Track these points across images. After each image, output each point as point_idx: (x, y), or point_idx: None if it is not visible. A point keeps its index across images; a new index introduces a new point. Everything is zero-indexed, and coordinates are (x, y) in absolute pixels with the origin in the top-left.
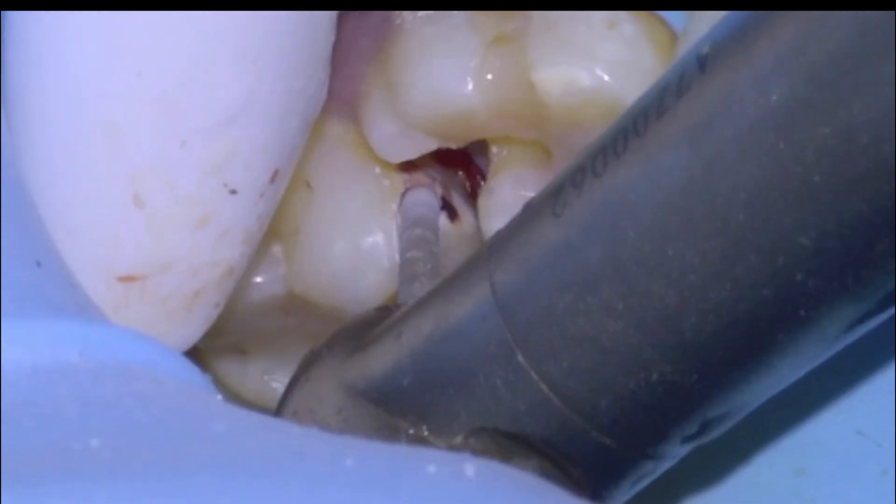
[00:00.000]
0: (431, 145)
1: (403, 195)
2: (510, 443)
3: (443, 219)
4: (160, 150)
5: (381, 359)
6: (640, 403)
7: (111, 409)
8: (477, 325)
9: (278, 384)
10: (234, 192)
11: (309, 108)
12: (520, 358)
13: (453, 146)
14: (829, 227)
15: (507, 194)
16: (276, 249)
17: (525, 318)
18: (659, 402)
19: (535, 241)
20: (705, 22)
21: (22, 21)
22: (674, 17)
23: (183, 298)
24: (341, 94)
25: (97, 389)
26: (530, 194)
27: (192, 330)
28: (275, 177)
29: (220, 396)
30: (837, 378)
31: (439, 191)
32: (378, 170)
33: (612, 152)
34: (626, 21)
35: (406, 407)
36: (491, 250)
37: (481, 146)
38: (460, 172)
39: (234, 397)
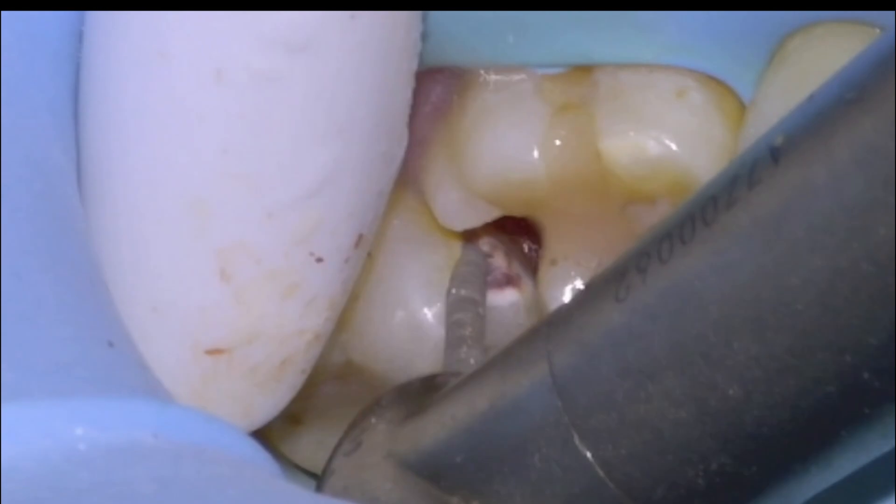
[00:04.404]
0: (495, 214)
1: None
2: None
3: (506, 289)
4: (247, 225)
5: (434, 433)
6: (696, 492)
7: (188, 490)
8: (533, 405)
9: None
10: (320, 260)
11: (391, 170)
12: (577, 441)
13: (517, 215)
14: None
15: (567, 265)
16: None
17: (583, 402)
18: (716, 492)
19: (596, 324)
20: (774, 92)
21: (103, 100)
22: (742, 86)
23: (271, 368)
24: (404, 161)
25: (173, 470)
26: (592, 266)
27: (280, 398)
28: (359, 242)
29: (291, 483)
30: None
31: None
32: (439, 238)
33: (678, 239)
34: (694, 90)
35: (458, 484)
36: (550, 329)
37: (544, 215)
38: (525, 244)
39: (287, 465)
